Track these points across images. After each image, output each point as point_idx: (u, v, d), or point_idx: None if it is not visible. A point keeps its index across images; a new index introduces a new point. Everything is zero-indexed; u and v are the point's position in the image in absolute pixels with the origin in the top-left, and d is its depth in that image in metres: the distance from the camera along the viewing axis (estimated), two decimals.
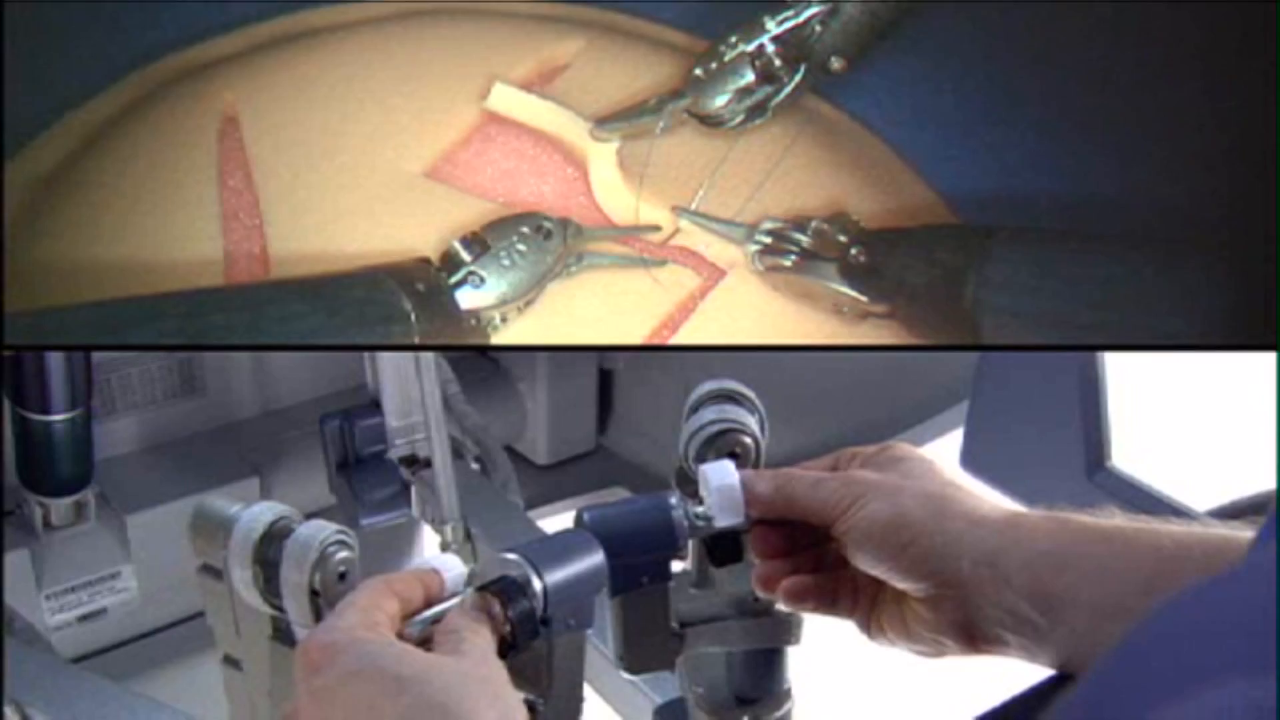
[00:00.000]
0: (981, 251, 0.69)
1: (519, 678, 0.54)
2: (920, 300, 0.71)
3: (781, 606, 0.62)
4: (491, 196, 0.77)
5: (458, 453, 1.09)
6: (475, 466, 1.15)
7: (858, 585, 0.60)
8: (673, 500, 0.59)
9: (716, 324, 0.74)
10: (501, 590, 0.54)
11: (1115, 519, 0.57)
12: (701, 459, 0.65)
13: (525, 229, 0.73)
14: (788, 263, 0.74)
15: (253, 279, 0.72)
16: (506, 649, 0.53)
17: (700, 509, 0.59)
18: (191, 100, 0.79)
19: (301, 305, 0.67)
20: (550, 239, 0.73)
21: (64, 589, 1.14)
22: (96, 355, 1.14)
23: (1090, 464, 1.14)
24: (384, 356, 1.02)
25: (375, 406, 1.04)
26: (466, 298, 0.71)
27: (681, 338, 0.73)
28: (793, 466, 0.60)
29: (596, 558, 0.56)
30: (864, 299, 0.73)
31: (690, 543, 0.60)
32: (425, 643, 0.53)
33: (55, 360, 1.05)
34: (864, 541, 0.57)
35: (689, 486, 0.62)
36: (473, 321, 0.72)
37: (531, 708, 0.56)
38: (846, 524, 0.57)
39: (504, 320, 0.73)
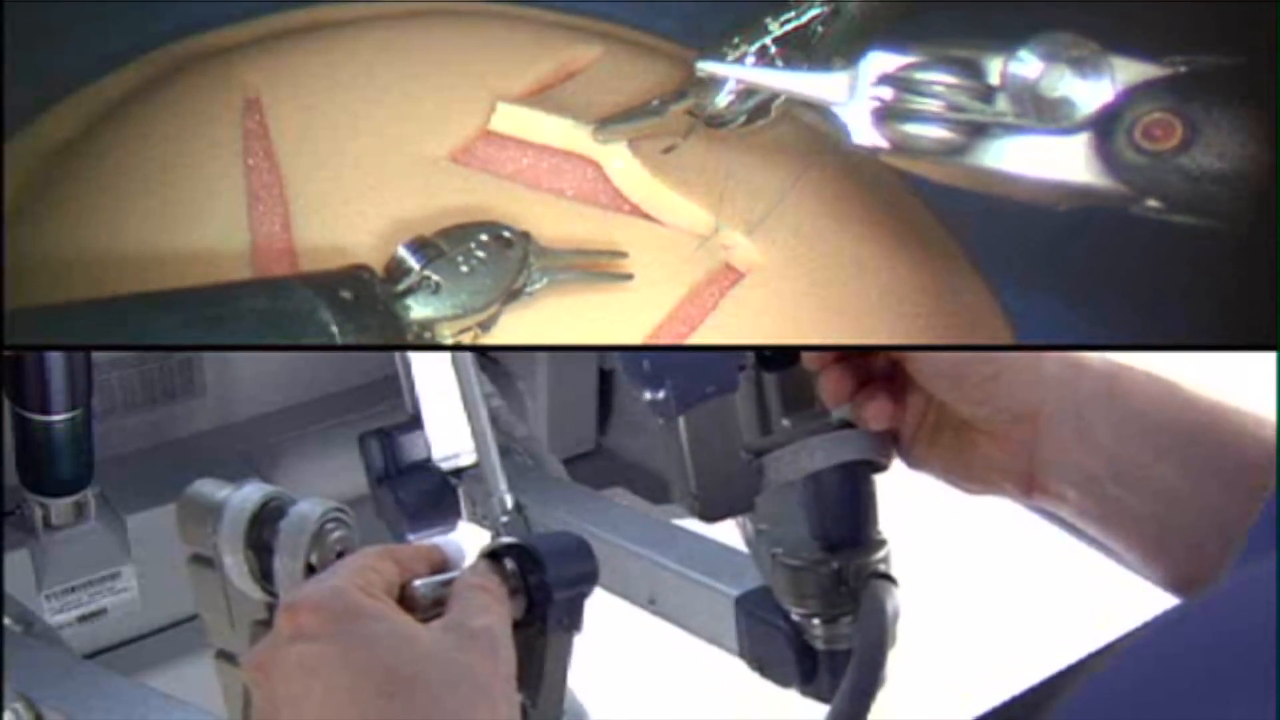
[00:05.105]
0: None
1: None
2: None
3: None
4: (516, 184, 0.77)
5: (505, 453, 1.08)
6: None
7: (914, 406, 0.55)
8: None
9: (732, 322, 0.73)
10: (518, 557, 0.52)
11: (1226, 400, 0.52)
12: None
13: (484, 236, 0.69)
14: (933, 134, 0.55)
15: (276, 258, 0.71)
16: (516, 623, 0.51)
17: None
18: (213, 79, 0.79)
19: (172, 317, 0.62)
20: (511, 249, 0.68)
21: (64, 589, 1.14)
22: (97, 355, 1.14)
23: None
24: (419, 369, 1.02)
25: (414, 421, 1.03)
26: (420, 307, 0.66)
27: (700, 335, 0.72)
28: None
29: (590, 562, 0.55)
30: (1125, 189, 0.54)
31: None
32: (438, 603, 0.50)
33: (55, 360, 1.05)
34: (945, 364, 0.52)
35: None
36: (426, 335, 0.67)
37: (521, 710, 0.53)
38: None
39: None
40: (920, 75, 0.57)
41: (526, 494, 1.04)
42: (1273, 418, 0.52)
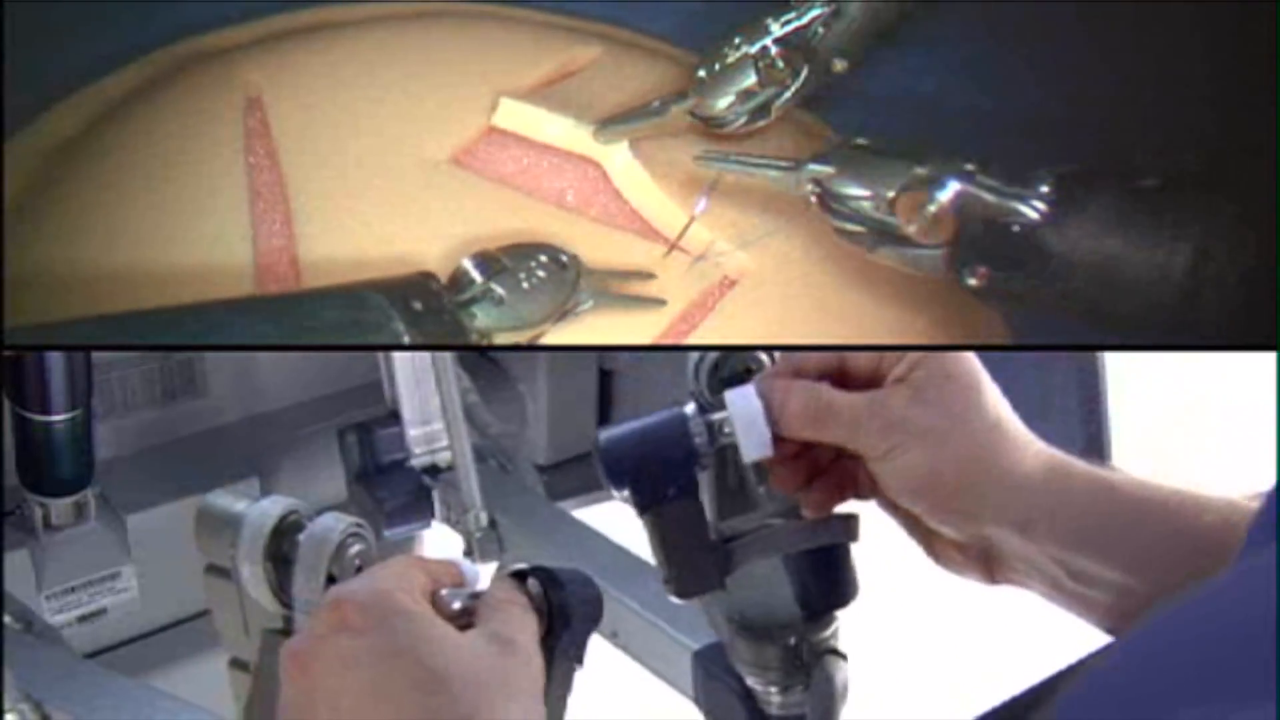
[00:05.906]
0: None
1: None
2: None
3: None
4: (516, 187, 0.77)
5: (481, 457, 1.09)
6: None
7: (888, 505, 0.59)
8: (688, 411, 0.57)
9: (728, 325, 0.73)
10: (542, 579, 0.53)
11: (1164, 489, 0.56)
12: (712, 380, 0.62)
13: (544, 257, 0.71)
14: (852, 228, 0.67)
15: (276, 255, 0.71)
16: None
17: (723, 423, 0.56)
18: (215, 78, 0.80)
19: (266, 326, 0.63)
20: (565, 270, 0.71)
21: (64, 589, 1.14)
22: (96, 355, 1.14)
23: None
24: (400, 366, 1.02)
25: (393, 417, 1.03)
26: (483, 316, 0.69)
27: (696, 338, 0.73)
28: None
29: (599, 599, 0.55)
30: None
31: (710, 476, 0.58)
32: (464, 614, 0.51)
33: (55, 360, 1.05)
34: (899, 486, 0.56)
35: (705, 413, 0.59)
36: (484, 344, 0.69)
37: None
38: (881, 467, 0.56)
39: None
40: (840, 189, 0.68)
41: (507, 513, 1.04)
42: (1227, 496, 0.56)
